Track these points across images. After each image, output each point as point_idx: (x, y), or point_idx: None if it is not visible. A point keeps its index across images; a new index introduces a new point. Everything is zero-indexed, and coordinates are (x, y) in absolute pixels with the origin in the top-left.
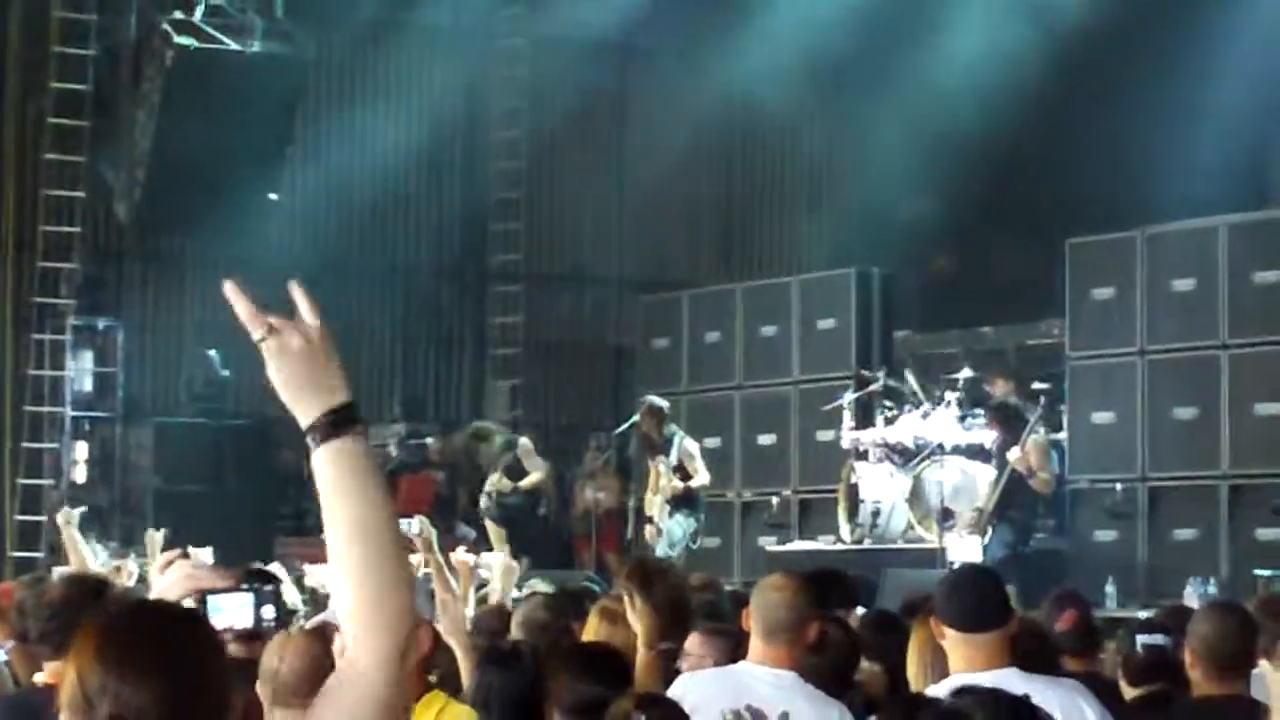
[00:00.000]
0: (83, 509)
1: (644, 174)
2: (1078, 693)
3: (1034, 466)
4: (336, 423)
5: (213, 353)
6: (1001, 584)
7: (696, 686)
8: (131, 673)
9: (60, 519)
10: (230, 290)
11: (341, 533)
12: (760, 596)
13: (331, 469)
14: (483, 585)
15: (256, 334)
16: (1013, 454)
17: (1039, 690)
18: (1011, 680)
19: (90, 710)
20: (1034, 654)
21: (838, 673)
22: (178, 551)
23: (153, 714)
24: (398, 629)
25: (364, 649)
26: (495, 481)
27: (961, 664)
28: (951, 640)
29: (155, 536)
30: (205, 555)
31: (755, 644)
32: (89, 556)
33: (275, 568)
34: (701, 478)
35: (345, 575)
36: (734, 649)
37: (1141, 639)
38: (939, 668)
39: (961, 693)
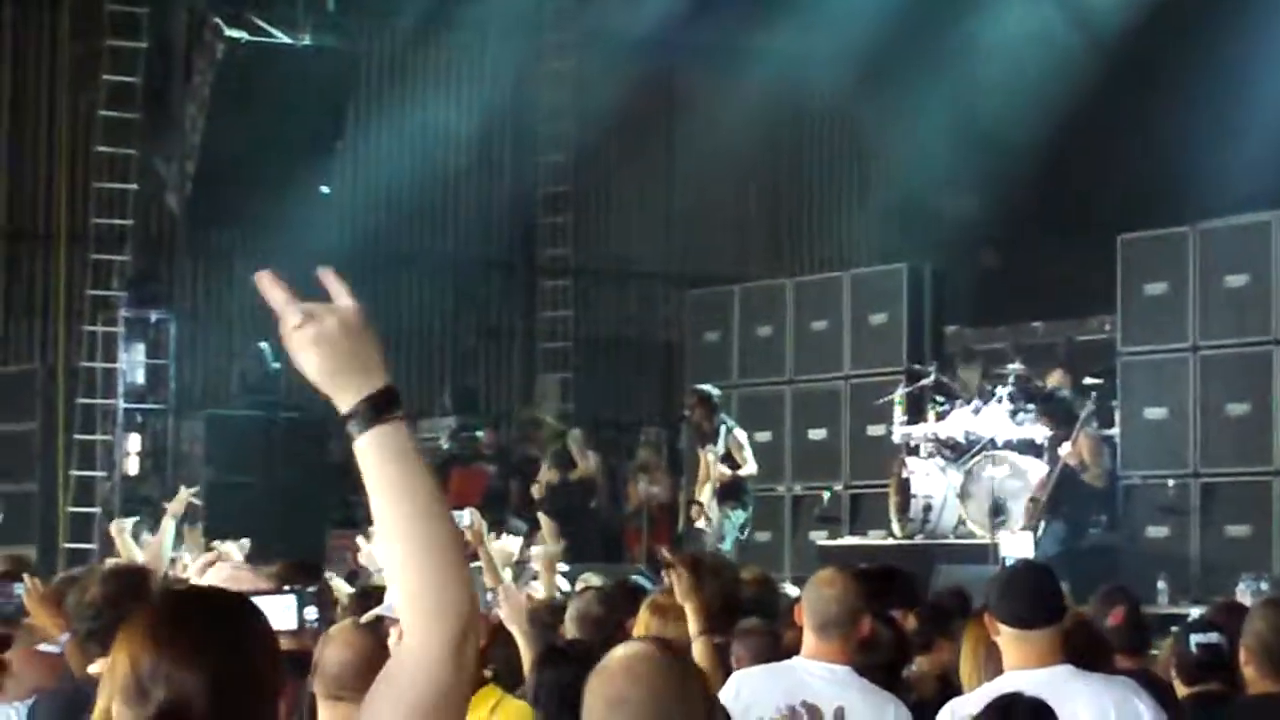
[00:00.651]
0: (135, 518)
1: (693, 168)
2: (1132, 691)
3: (1086, 461)
4: (379, 408)
5: (264, 345)
6: (1055, 580)
7: (750, 683)
8: (184, 656)
9: (113, 529)
10: (263, 280)
11: (391, 521)
12: (812, 591)
13: (376, 456)
14: (529, 577)
15: (292, 322)
16: (1064, 449)
17: (1092, 687)
18: (1065, 678)
19: (144, 697)
20: (1087, 650)
21: (888, 669)
22: (215, 554)
23: (206, 697)
24: (458, 615)
25: (424, 636)
26: (545, 472)
27: (1015, 661)
28: (1006, 637)
29: (195, 533)
30: (236, 550)
31: (808, 639)
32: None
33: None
34: (749, 467)
35: (400, 564)
36: (771, 648)
37: (1196, 638)
38: (992, 666)
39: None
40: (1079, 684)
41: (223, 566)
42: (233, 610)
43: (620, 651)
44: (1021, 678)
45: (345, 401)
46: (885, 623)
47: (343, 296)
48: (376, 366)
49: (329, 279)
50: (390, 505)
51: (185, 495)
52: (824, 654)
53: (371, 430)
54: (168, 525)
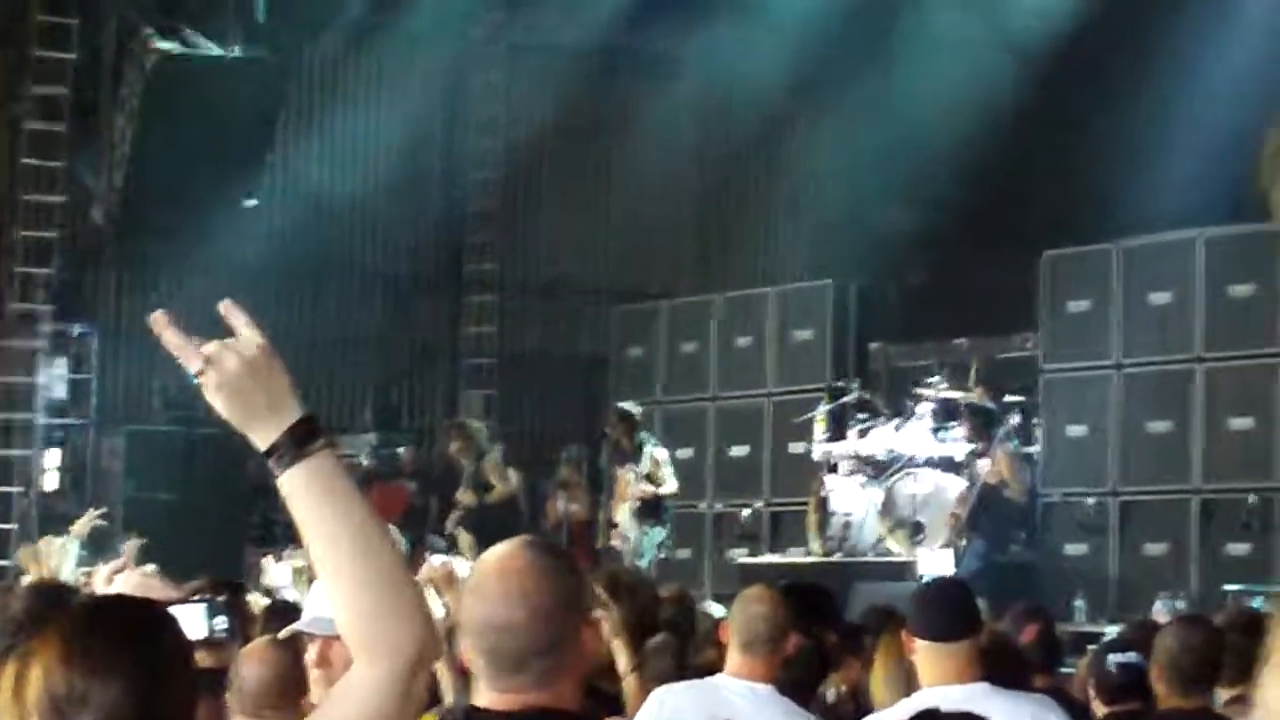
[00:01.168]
0: (75, 539)
1: (622, 184)
2: (1048, 709)
3: (1006, 477)
4: (299, 441)
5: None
6: (971, 595)
7: (673, 699)
8: (101, 670)
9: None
10: (158, 322)
11: (329, 560)
12: (741, 608)
13: (303, 493)
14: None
15: (193, 367)
16: (983, 464)
17: (1010, 705)
18: (982, 694)
19: (62, 717)
20: (1005, 667)
21: (802, 686)
22: (122, 560)
23: (125, 710)
24: (407, 649)
25: (372, 669)
26: (462, 494)
27: (932, 676)
28: (922, 651)
29: (134, 545)
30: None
31: (733, 656)
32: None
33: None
34: (670, 485)
35: (342, 602)
36: (675, 670)
37: (1114, 658)
38: (905, 683)
39: (927, 716)
40: (996, 701)
41: (131, 574)
42: (144, 619)
43: (494, 565)
44: (938, 694)
45: (263, 439)
46: (812, 640)
47: (245, 330)
48: (287, 400)
49: (231, 312)
50: (326, 544)
51: (91, 516)
52: (747, 672)
53: (295, 467)
54: (70, 546)
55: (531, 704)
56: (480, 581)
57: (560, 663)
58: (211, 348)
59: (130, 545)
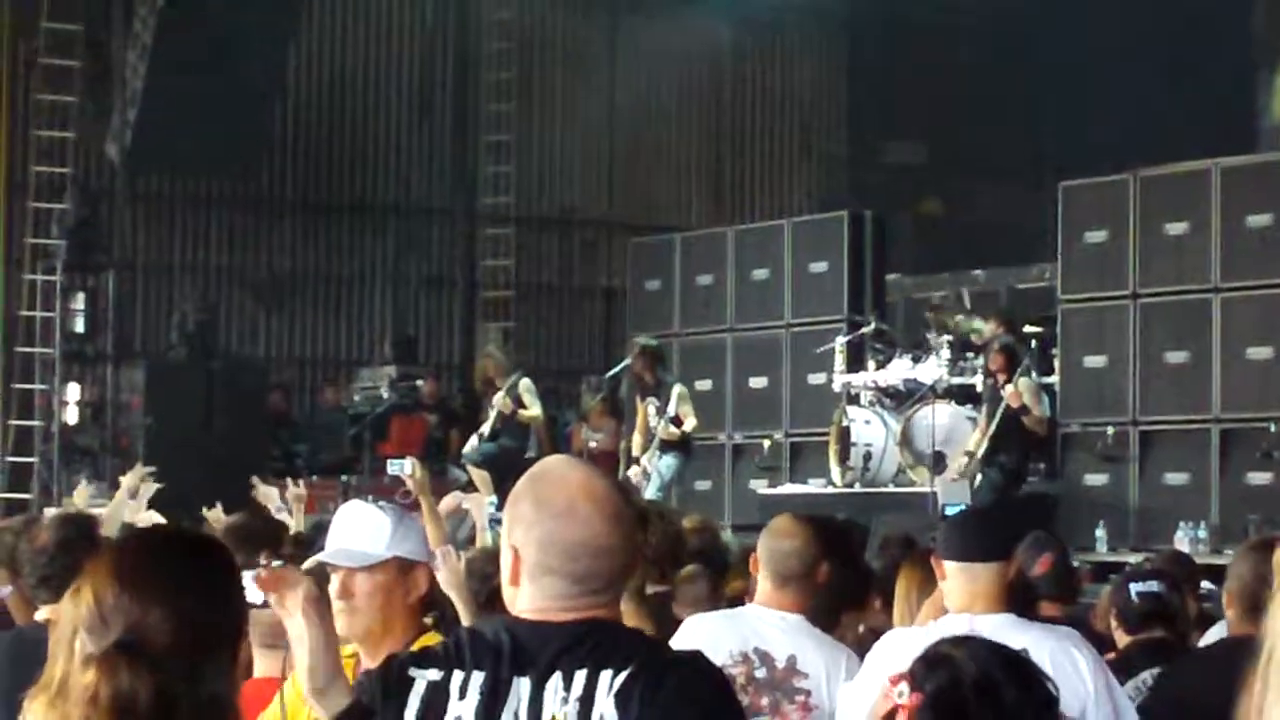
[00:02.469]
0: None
1: (635, 116)
2: (1071, 642)
3: (1027, 404)
4: None
5: (203, 294)
6: (1001, 523)
7: (705, 628)
8: (147, 591)
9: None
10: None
11: None
12: (772, 544)
13: None
14: (469, 528)
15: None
16: (1006, 391)
17: (1034, 638)
18: (1009, 626)
19: (105, 627)
20: (1016, 598)
21: (828, 613)
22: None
23: (167, 632)
24: None
25: None
26: (499, 401)
27: (959, 601)
28: (952, 574)
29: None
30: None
31: (764, 586)
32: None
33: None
34: (690, 422)
35: None
36: (710, 596)
37: (1136, 587)
38: (926, 609)
39: (960, 641)
40: (1021, 633)
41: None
42: (196, 548)
43: (580, 487)
44: (964, 621)
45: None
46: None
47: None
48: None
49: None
50: None
51: (141, 472)
52: (778, 603)
53: None
54: (121, 498)
55: (600, 618)
56: (569, 505)
57: (625, 583)
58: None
59: (131, 476)
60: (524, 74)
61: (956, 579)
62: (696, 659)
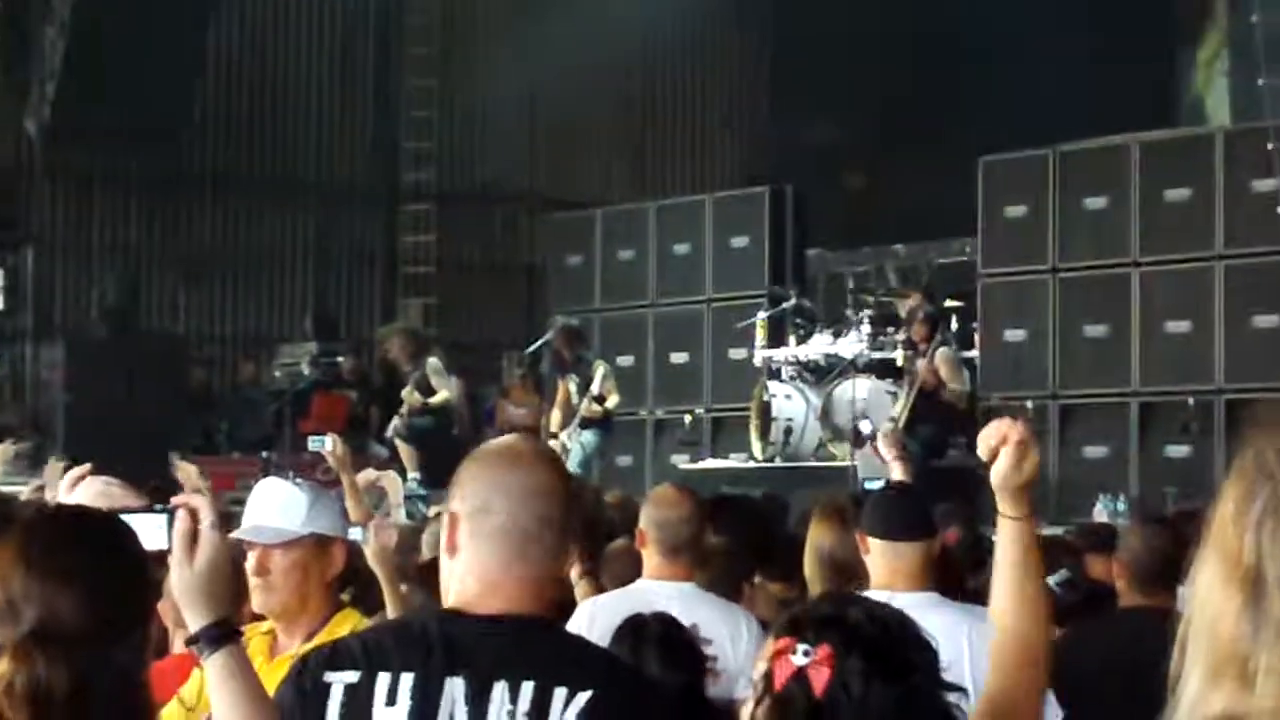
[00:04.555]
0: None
1: (556, 92)
2: (990, 628)
3: (945, 378)
4: (220, 637)
5: (122, 270)
6: (925, 501)
7: (604, 610)
8: (56, 575)
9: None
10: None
11: None
12: (658, 514)
13: (215, 677)
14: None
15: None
16: (920, 366)
17: (952, 618)
18: (927, 604)
19: (15, 616)
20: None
21: (717, 586)
22: (86, 468)
23: (78, 616)
24: None
25: None
26: (407, 395)
27: (882, 578)
28: (875, 551)
29: (56, 466)
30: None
31: (654, 560)
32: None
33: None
34: (613, 399)
35: None
36: (634, 569)
37: (1051, 580)
38: (837, 579)
39: (850, 601)
40: (940, 611)
41: (93, 481)
42: (104, 530)
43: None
44: (883, 598)
45: (192, 622)
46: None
47: (208, 531)
48: (225, 599)
49: (201, 503)
50: (228, 712)
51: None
52: (670, 573)
53: (215, 655)
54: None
55: (536, 615)
56: (515, 456)
57: (559, 572)
58: (187, 539)
59: (52, 467)
60: (445, 49)
61: (880, 556)
62: (657, 686)
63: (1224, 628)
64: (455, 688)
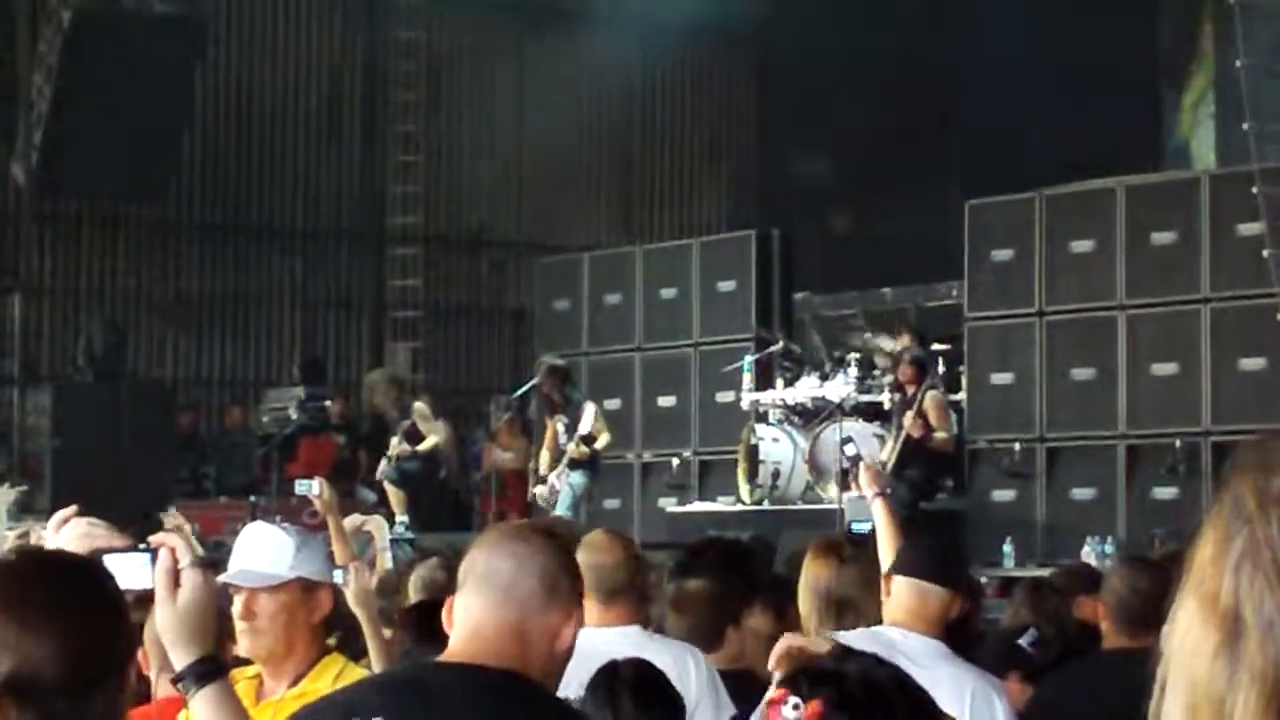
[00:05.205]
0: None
1: (542, 137)
2: (994, 688)
3: (934, 423)
4: (206, 674)
5: (110, 316)
6: (963, 556)
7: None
8: (32, 622)
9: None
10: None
11: None
12: (590, 560)
13: (205, 715)
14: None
15: (159, 595)
16: (907, 419)
17: (955, 674)
18: (936, 654)
19: None
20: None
21: (701, 629)
22: (73, 509)
23: (54, 665)
24: None
25: None
26: (395, 445)
27: (900, 617)
28: (900, 589)
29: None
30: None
31: (594, 609)
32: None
33: (176, 520)
34: (604, 439)
35: None
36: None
37: (1024, 641)
38: (833, 616)
39: (847, 655)
40: (944, 663)
41: (78, 523)
42: (80, 574)
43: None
44: (895, 634)
45: (178, 661)
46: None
47: (190, 572)
48: (208, 636)
49: (178, 543)
50: None
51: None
52: (609, 619)
53: (201, 691)
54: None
55: (517, 672)
56: (497, 542)
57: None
58: (187, 568)
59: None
60: (431, 94)
61: (903, 595)
62: None
63: (1200, 668)
64: None
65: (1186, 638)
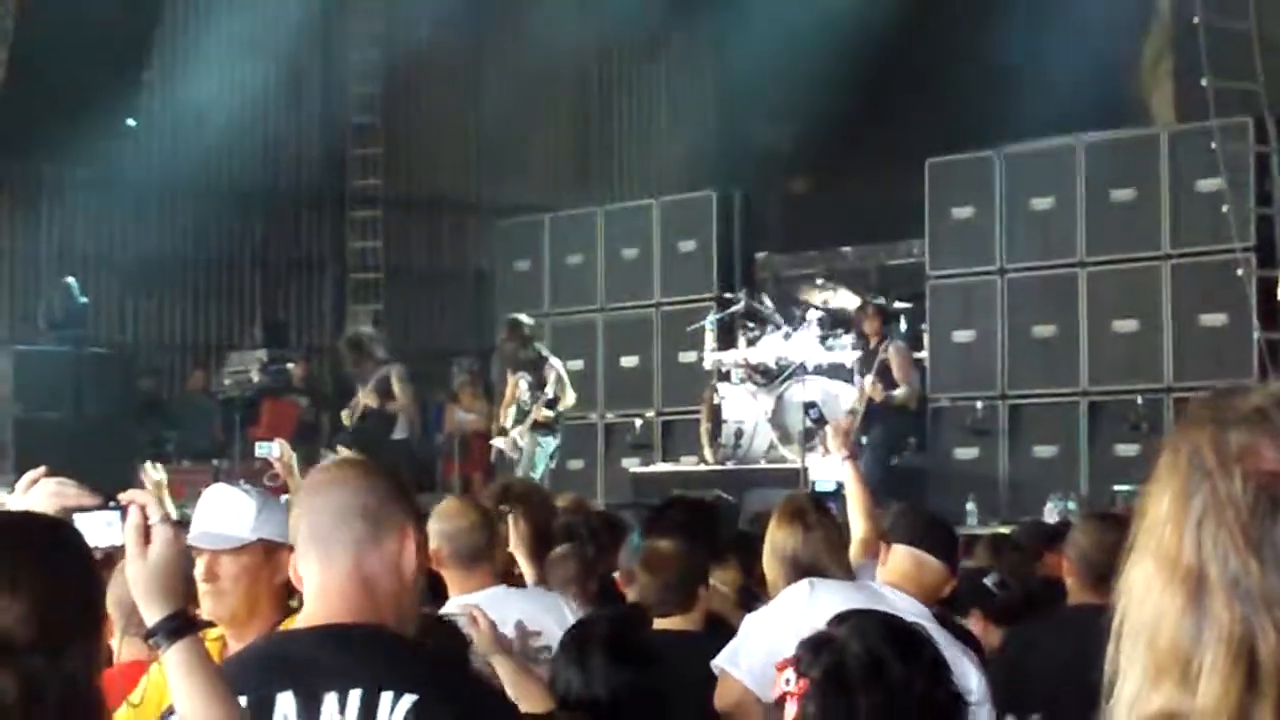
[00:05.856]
0: None
1: (502, 97)
2: (966, 658)
3: (897, 375)
4: (177, 629)
5: (71, 280)
6: (956, 544)
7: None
8: (3, 583)
9: None
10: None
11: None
12: (445, 528)
13: (175, 668)
14: None
15: (131, 551)
16: (866, 382)
17: (945, 640)
18: (924, 618)
19: None
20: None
21: (673, 589)
22: (42, 470)
23: (29, 624)
24: None
25: None
26: (364, 394)
27: (896, 579)
28: (900, 556)
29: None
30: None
31: (456, 578)
32: None
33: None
34: (568, 399)
35: None
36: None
37: (988, 581)
38: (795, 572)
39: (846, 618)
40: (933, 630)
41: (47, 482)
42: (50, 534)
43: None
44: (886, 591)
45: (149, 616)
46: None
47: (160, 527)
48: (178, 592)
49: (149, 500)
50: (189, 704)
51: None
52: (474, 585)
53: (174, 646)
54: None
55: (373, 625)
56: (320, 485)
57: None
58: (157, 524)
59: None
60: (391, 56)
61: (903, 562)
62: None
63: (1165, 629)
64: (285, 704)
65: (1146, 598)
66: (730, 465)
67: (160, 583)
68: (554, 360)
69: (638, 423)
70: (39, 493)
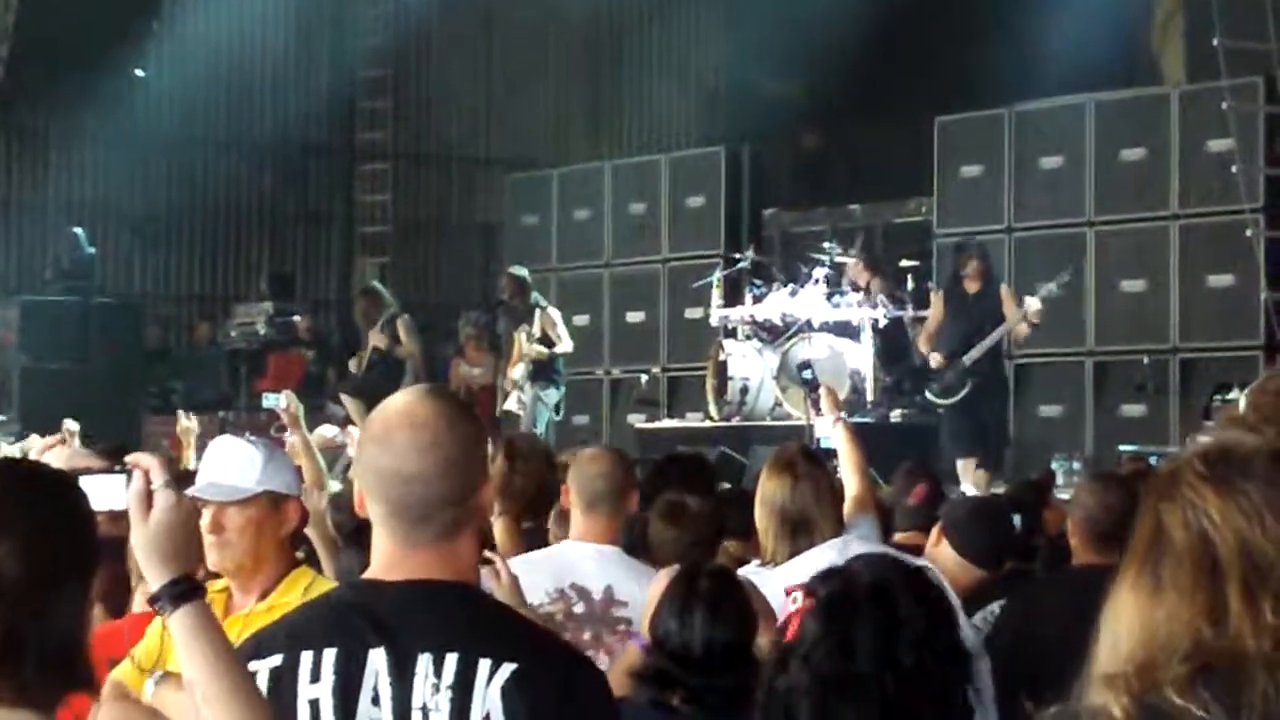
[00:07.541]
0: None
1: (512, 51)
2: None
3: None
4: (181, 594)
5: (78, 230)
6: (1011, 525)
7: (520, 571)
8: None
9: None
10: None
11: (194, 691)
12: (577, 470)
13: (181, 633)
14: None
15: (135, 516)
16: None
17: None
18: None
19: None
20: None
21: (699, 545)
22: (58, 436)
23: (18, 563)
24: None
25: None
26: (374, 336)
27: (937, 563)
28: (946, 553)
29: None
30: (72, 425)
31: (577, 519)
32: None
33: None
34: (565, 345)
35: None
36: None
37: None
38: (788, 534)
39: (862, 557)
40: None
41: (62, 450)
42: (45, 483)
43: (401, 414)
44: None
45: (153, 581)
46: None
47: (162, 490)
48: (183, 556)
49: (154, 465)
50: (193, 678)
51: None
52: (591, 534)
53: (179, 611)
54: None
55: (426, 575)
56: (386, 431)
57: (464, 516)
58: (142, 499)
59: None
60: (402, 9)
61: (948, 559)
62: (582, 661)
63: (1126, 607)
64: (378, 660)
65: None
66: (736, 421)
67: (161, 548)
68: (551, 310)
69: (643, 379)
70: (54, 458)
